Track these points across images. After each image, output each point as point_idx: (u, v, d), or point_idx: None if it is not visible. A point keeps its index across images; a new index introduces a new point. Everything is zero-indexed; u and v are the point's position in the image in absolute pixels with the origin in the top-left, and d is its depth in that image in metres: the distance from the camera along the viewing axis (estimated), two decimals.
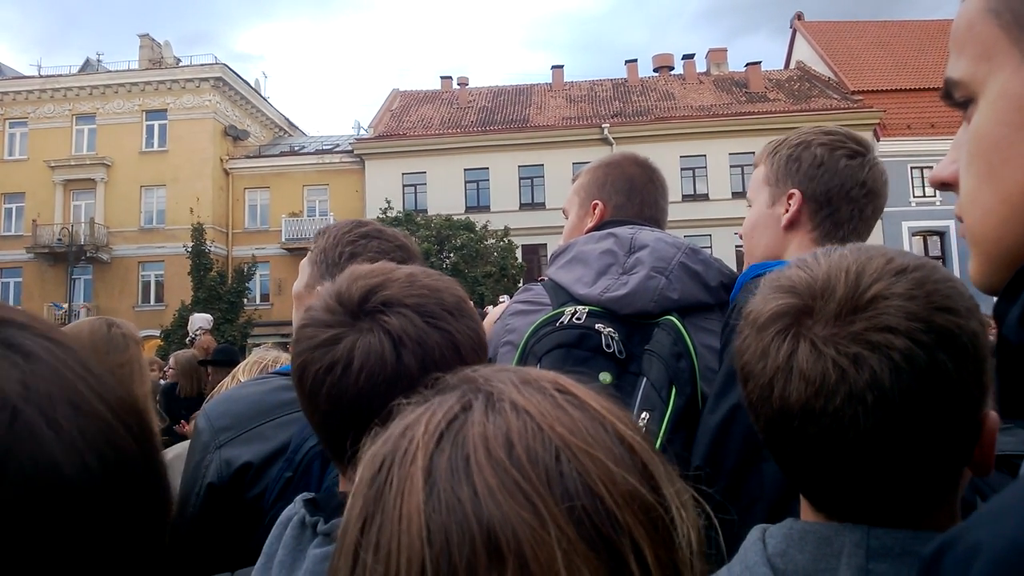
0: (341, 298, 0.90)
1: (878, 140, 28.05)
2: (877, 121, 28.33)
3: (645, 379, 1.34)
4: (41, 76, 32.40)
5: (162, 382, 6.28)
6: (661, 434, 1.28)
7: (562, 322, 1.41)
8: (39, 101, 31.43)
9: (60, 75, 32.21)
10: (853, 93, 29.67)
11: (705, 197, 29.44)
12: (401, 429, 0.53)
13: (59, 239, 28.67)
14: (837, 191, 1.37)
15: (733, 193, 29.17)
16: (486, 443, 0.48)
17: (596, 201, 1.73)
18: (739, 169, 29.25)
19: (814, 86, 31.24)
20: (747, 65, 32.70)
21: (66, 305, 27.64)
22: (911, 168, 27.61)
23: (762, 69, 32.67)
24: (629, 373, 1.37)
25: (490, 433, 0.49)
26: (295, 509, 0.89)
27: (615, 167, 1.78)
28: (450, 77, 35.51)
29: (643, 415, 1.30)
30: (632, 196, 1.72)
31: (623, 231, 1.54)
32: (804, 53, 33.83)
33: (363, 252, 1.40)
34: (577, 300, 1.46)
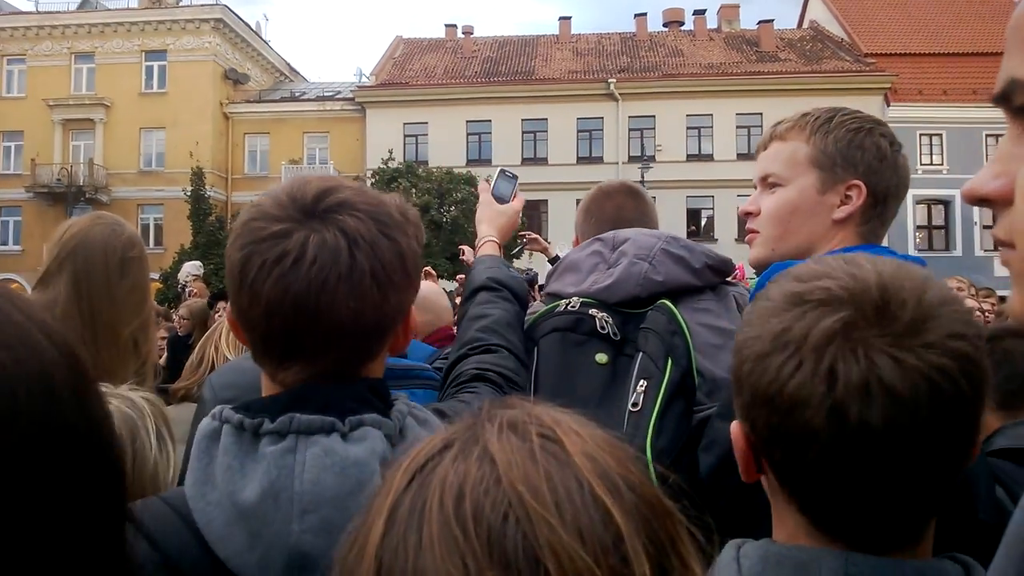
0: (293, 196, 0.89)
1: (888, 105, 27.62)
2: (888, 85, 27.86)
3: (642, 353, 1.37)
4: (39, 12, 31.88)
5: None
6: (659, 400, 1.30)
7: (557, 311, 1.47)
8: (37, 38, 30.98)
9: (58, 12, 31.67)
10: (866, 55, 29.10)
11: (710, 157, 29.14)
12: (411, 452, 0.54)
13: (58, 179, 28.63)
14: (894, 189, 1.33)
15: (738, 154, 28.84)
16: (442, 491, 0.48)
17: (575, 237, 1.84)
18: (745, 130, 28.88)
19: (826, 47, 30.62)
20: (759, 23, 32.00)
21: None
22: (920, 135, 27.21)
23: (775, 28, 31.99)
24: (624, 355, 1.41)
25: (449, 481, 0.48)
26: (218, 418, 0.89)
27: (582, 205, 1.88)
28: (455, 25, 34.86)
29: (640, 383, 1.33)
30: (588, 216, 1.80)
31: (606, 234, 1.60)
32: (818, 12, 33.06)
33: None
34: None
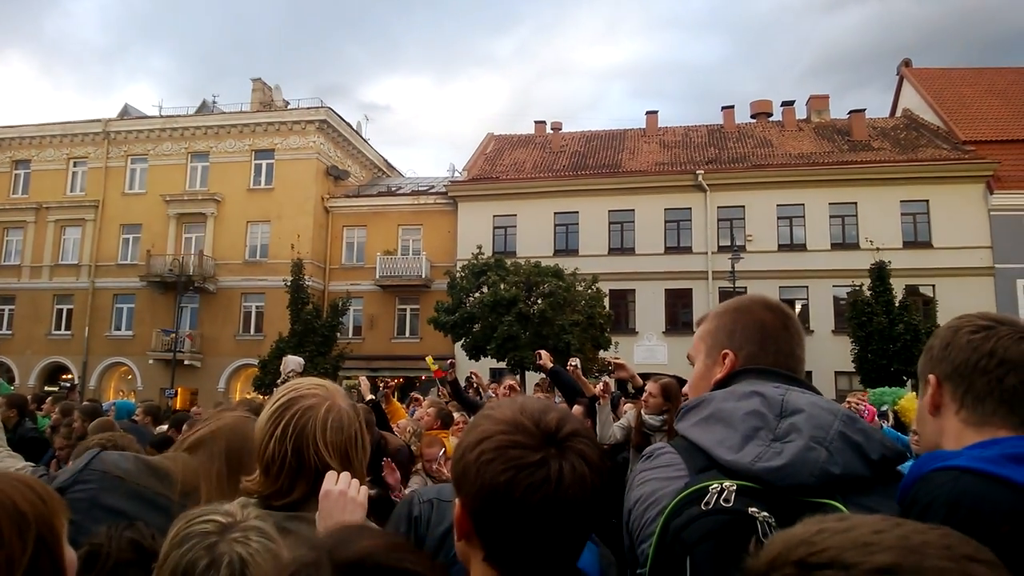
0: (539, 424, 1.08)
1: (991, 193, 26.68)
2: (990, 173, 26.97)
3: None
4: (162, 116, 34.71)
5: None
6: None
7: (708, 503, 1.25)
8: (159, 139, 33.67)
9: (179, 115, 34.42)
10: (964, 143, 28.36)
11: (803, 247, 28.50)
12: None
13: (170, 269, 30.39)
14: (963, 365, 1.39)
15: (832, 244, 28.21)
16: None
17: (726, 351, 1.58)
18: (839, 219, 28.30)
19: (922, 135, 30.00)
20: (850, 112, 31.62)
21: (174, 332, 29.13)
22: None
23: (867, 117, 31.58)
24: None
25: None
26: None
27: (744, 313, 1.62)
28: (544, 122, 35.88)
29: None
30: (765, 345, 1.56)
31: (770, 391, 1.40)
32: (912, 101, 32.59)
33: None
34: (720, 466, 1.31)
